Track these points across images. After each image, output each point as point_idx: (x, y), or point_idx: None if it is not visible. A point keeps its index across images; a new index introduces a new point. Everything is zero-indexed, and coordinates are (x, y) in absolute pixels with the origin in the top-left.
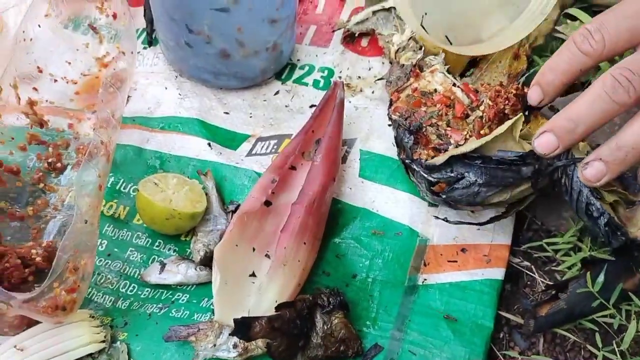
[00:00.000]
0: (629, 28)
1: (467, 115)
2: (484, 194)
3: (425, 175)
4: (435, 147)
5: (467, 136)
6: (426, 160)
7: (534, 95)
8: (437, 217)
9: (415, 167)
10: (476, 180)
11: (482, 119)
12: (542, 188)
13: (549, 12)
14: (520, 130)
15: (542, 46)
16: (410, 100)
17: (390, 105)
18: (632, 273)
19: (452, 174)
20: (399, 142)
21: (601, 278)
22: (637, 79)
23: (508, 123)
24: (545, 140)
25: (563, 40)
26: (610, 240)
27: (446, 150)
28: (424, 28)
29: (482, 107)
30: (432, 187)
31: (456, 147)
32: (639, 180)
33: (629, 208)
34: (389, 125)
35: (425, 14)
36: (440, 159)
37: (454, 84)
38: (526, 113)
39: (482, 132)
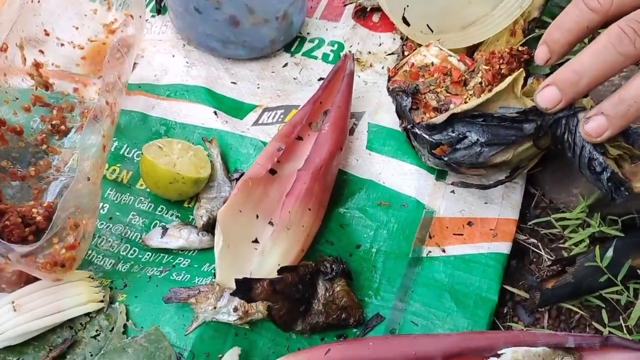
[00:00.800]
0: None
1: (465, 82)
2: (487, 154)
3: (427, 137)
4: (436, 108)
5: (467, 100)
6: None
7: (541, 54)
8: (445, 183)
9: (417, 130)
10: (478, 140)
11: (481, 84)
12: (546, 147)
13: (528, 4)
14: (522, 87)
15: (537, 19)
16: (408, 74)
17: (389, 80)
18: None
19: (454, 134)
20: (399, 112)
21: (610, 253)
22: None
23: (509, 79)
24: (548, 93)
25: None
26: (613, 195)
27: (447, 110)
28: (405, 20)
29: (479, 73)
30: (433, 150)
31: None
32: None
33: (635, 163)
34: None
35: (407, 6)
36: (441, 117)
37: (450, 55)
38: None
39: (482, 95)
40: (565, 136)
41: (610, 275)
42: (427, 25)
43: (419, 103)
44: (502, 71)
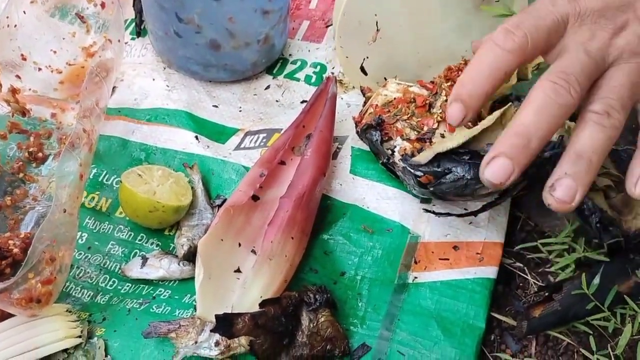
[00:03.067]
0: (545, 28)
1: (431, 105)
2: (473, 187)
3: (412, 170)
4: (419, 138)
5: (438, 119)
6: (412, 154)
7: (455, 113)
8: (426, 210)
9: (401, 163)
10: (464, 175)
11: (447, 101)
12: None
13: None
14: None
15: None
16: (373, 115)
17: (356, 126)
18: (628, 275)
19: (439, 169)
20: (373, 149)
21: (597, 280)
22: (573, 78)
23: (496, 114)
24: (498, 166)
25: None
26: (601, 236)
27: (430, 140)
28: (363, 70)
29: (443, 92)
30: (419, 179)
31: (441, 136)
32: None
33: (624, 192)
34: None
35: (367, 57)
36: (425, 155)
37: (410, 86)
38: None
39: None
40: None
41: (597, 302)
42: (385, 78)
43: (389, 133)
44: None
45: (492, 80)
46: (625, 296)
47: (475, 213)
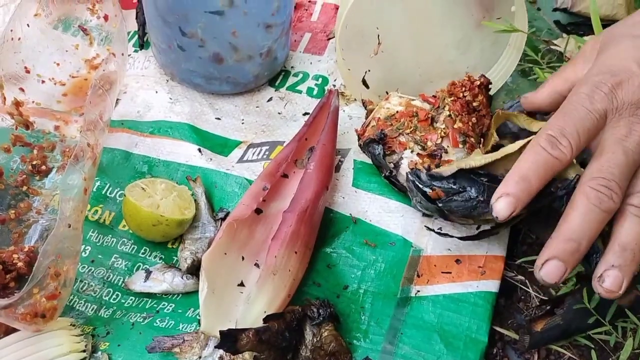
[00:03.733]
0: (586, 130)
1: (433, 119)
2: (481, 209)
3: (420, 185)
4: (430, 154)
5: (442, 134)
6: (428, 169)
7: (505, 207)
8: (428, 228)
9: (405, 175)
10: (477, 197)
11: (450, 116)
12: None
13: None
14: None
15: None
16: (376, 129)
17: (359, 139)
18: (629, 289)
19: (455, 186)
20: (376, 163)
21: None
22: (614, 184)
23: (519, 143)
24: (553, 268)
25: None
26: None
27: (440, 157)
28: (365, 83)
29: (445, 107)
30: (428, 194)
31: (445, 151)
32: None
33: None
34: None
35: (369, 70)
36: (448, 169)
37: (412, 99)
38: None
39: (455, 126)
40: (562, 208)
41: (599, 316)
42: (387, 92)
43: (392, 146)
44: (467, 98)
45: (540, 182)
46: (626, 310)
47: (473, 238)
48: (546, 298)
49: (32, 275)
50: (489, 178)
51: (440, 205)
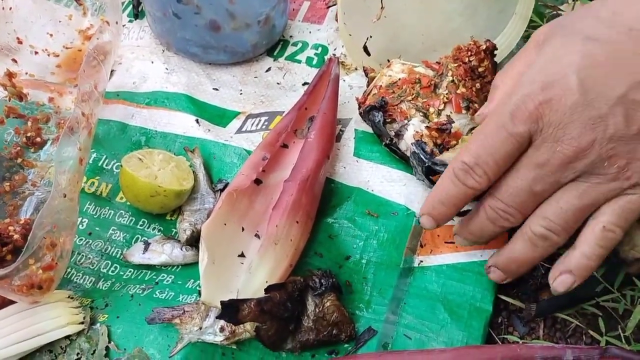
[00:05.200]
0: (502, 155)
1: (436, 85)
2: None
3: (425, 161)
4: (439, 129)
5: (444, 100)
6: (435, 146)
7: (428, 225)
8: None
9: (410, 146)
10: None
11: (453, 82)
12: None
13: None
14: None
15: None
16: (377, 96)
17: (359, 107)
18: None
19: None
20: (376, 131)
21: None
22: (512, 210)
23: None
24: (567, 280)
25: None
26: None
27: (450, 131)
28: (367, 50)
29: (449, 73)
30: (430, 176)
31: (471, 130)
32: None
33: None
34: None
35: (370, 36)
36: (451, 156)
37: (415, 66)
38: None
39: (458, 91)
40: None
41: (607, 284)
42: (388, 60)
43: (393, 114)
44: (472, 63)
45: (456, 208)
46: (634, 278)
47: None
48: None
49: (26, 246)
50: None
51: None
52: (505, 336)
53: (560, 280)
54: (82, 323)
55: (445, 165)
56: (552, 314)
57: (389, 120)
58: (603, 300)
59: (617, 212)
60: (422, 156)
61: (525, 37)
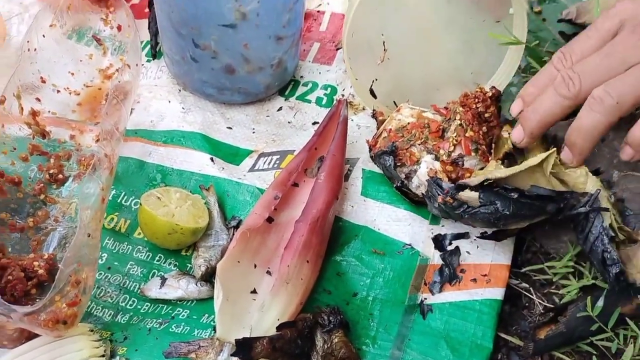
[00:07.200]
0: (600, 68)
1: (444, 130)
2: (506, 221)
3: (442, 194)
4: (453, 162)
5: (454, 143)
6: (452, 180)
7: (515, 107)
8: (435, 242)
9: (424, 183)
10: (504, 210)
11: (461, 125)
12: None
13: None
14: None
15: None
16: (387, 140)
17: (370, 150)
18: (630, 298)
19: (482, 199)
20: (387, 174)
21: (600, 302)
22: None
23: (541, 156)
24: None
25: None
26: (613, 283)
27: (462, 164)
28: (373, 93)
29: (457, 116)
30: (448, 202)
31: (480, 170)
32: None
33: (630, 246)
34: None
35: (376, 79)
36: (475, 179)
37: (424, 111)
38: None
39: (467, 134)
40: (582, 224)
41: (601, 323)
42: (394, 102)
43: (403, 158)
44: (479, 109)
45: (552, 120)
46: (627, 318)
47: (489, 237)
48: (550, 306)
49: (54, 284)
50: (518, 193)
51: (464, 215)
52: None
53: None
54: (103, 356)
55: (467, 185)
56: (549, 352)
57: (399, 164)
58: (597, 339)
59: None
60: (438, 191)
61: (526, 82)
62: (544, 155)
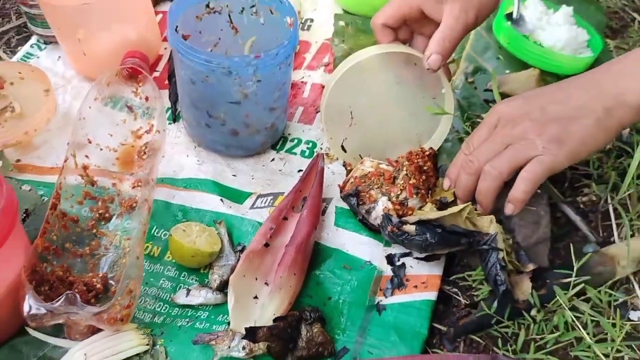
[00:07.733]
0: (488, 151)
1: (395, 177)
2: (433, 248)
3: (391, 226)
4: (400, 203)
5: (401, 188)
6: (400, 216)
7: (446, 185)
8: (391, 262)
9: (380, 217)
10: (431, 240)
11: (407, 175)
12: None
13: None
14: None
15: None
16: (353, 184)
17: (341, 192)
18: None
19: (416, 231)
20: (352, 210)
21: (495, 304)
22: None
23: (461, 206)
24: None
25: None
26: (502, 299)
27: (407, 205)
28: (344, 148)
29: (404, 169)
30: (395, 232)
31: (420, 208)
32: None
33: (518, 275)
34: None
35: (346, 138)
36: (412, 218)
37: (380, 163)
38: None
39: (410, 182)
40: (484, 255)
41: (499, 317)
42: (360, 155)
43: (364, 198)
44: (420, 163)
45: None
46: (522, 311)
47: (423, 259)
48: (469, 303)
49: (117, 291)
50: (441, 228)
51: (405, 241)
52: (437, 350)
53: (507, 207)
54: (147, 345)
55: (407, 222)
56: (465, 335)
57: (362, 202)
58: (500, 327)
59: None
60: (388, 223)
61: (459, 139)
62: (462, 205)
